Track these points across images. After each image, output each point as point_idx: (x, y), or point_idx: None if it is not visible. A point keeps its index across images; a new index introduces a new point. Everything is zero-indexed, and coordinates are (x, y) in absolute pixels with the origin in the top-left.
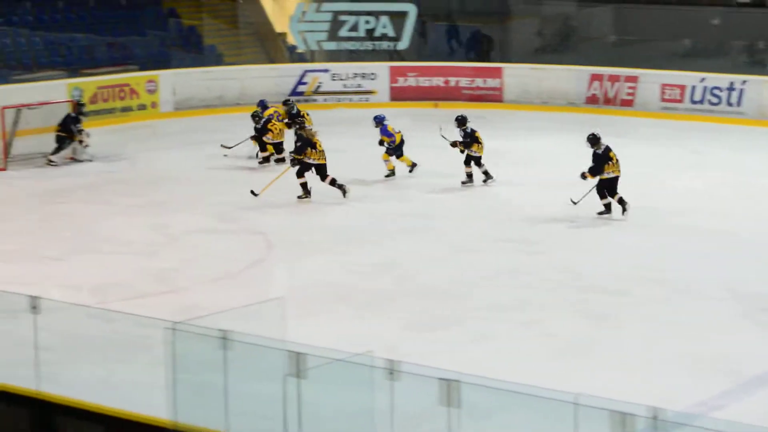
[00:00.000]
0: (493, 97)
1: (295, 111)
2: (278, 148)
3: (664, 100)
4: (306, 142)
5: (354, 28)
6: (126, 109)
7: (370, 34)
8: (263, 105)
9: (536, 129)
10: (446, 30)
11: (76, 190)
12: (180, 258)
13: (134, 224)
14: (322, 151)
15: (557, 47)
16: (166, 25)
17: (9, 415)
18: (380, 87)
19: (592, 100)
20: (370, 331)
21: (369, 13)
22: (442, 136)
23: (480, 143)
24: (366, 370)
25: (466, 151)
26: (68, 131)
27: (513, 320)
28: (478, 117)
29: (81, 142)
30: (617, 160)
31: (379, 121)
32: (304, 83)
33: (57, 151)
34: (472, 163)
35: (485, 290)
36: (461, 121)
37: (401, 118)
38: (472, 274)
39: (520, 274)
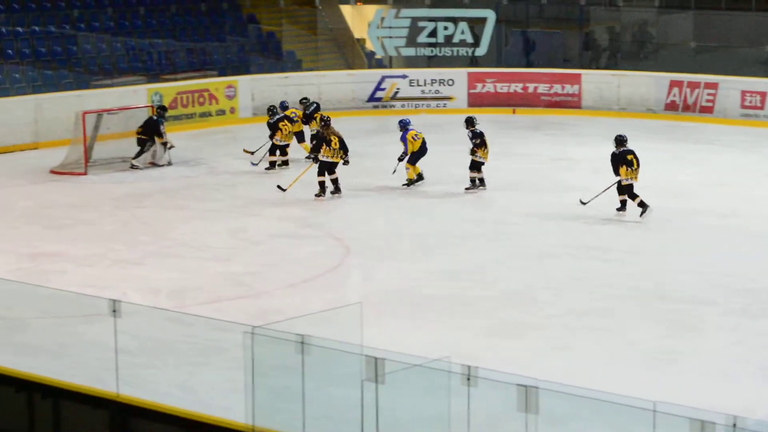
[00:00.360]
0: (571, 103)
1: (311, 110)
2: (282, 149)
3: (744, 107)
4: (321, 140)
5: (432, 34)
6: (205, 115)
7: (448, 41)
8: (283, 106)
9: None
10: (523, 36)
11: (155, 194)
12: (257, 262)
13: (212, 229)
14: (337, 149)
15: (636, 53)
16: (245, 31)
17: (89, 417)
18: (458, 93)
19: (671, 107)
20: (448, 337)
21: (448, 19)
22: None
23: (486, 148)
24: (443, 375)
25: (471, 157)
26: (149, 134)
27: (593, 327)
28: (553, 123)
29: (166, 143)
30: (637, 167)
31: (402, 125)
32: (382, 89)
33: (139, 154)
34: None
35: (565, 297)
36: (470, 122)
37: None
38: (551, 280)
39: (600, 281)
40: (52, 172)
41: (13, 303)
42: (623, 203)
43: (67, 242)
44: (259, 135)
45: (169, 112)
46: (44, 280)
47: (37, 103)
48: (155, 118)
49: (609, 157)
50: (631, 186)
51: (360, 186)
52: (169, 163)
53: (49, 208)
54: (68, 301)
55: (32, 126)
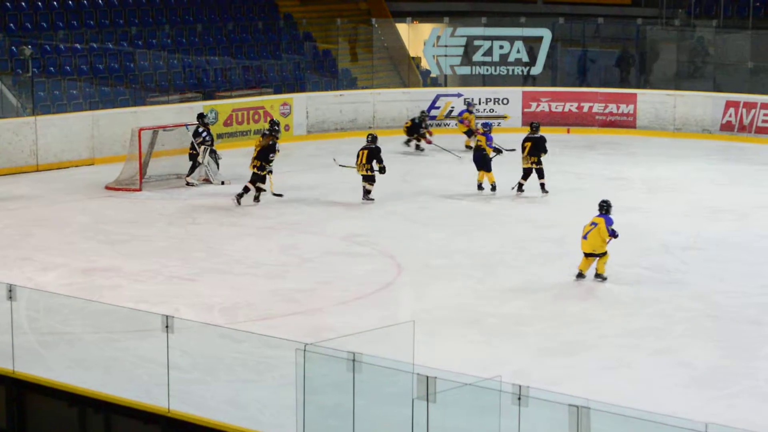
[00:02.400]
0: (626, 123)
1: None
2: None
3: None
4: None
5: (488, 53)
6: (259, 132)
7: (504, 59)
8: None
9: (669, 156)
10: (579, 55)
11: (209, 211)
12: (310, 280)
13: (265, 246)
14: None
15: (693, 73)
16: (301, 49)
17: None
18: (513, 112)
19: (726, 127)
20: (500, 356)
21: (503, 38)
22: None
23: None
24: (494, 394)
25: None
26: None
27: (647, 348)
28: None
29: (196, 155)
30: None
31: (488, 128)
32: (437, 107)
33: (192, 170)
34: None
35: (620, 317)
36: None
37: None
38: (606, 300)
39: (657, 302)
40: (108, 188)
41: (66, 317)
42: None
43: (121, 258)
44: (311, 153)
45: (225, 129)
46: (98, 295)
47: (94, 120)
48: (193, 128)
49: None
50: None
51: (415, 203)
52: (222, 183)
53: (105, 223)
54: (121, 316)
55: (89, 142)
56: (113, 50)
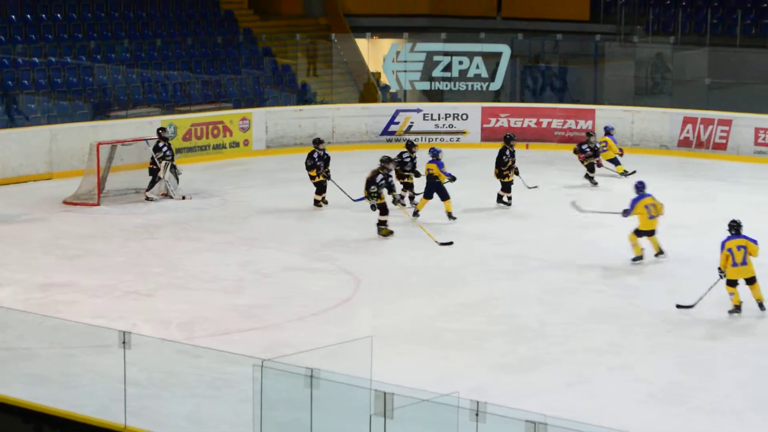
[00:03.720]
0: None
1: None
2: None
3: (757, 144)
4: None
5: (447, 68)
6: (219, 147)
7: (463, 75)
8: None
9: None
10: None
11: (167, 226)
12: (268, 295)
13: (223, 261)
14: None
15: (652, 89)
16: (261, 64)
17: None
18: (472, 127)
19: (684, 143)
20: (457, 372)
21: (463, 54)
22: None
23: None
24: (452, 411)
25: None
26: (155, 162)
27: (605, 364)
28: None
29: (157, 170)
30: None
31: (436, 154)
32: (396, 123)
33: (152, 184)
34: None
35: (578, 333)
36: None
37: (492, 160)
38: (566, 316)
39: (615, 317)
40: (66, 202)
41: (23, 333)
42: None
43: (78, 273)
44: (270, 168)
45: (184, 144)
46: (55, 310)
47: (52, 134)
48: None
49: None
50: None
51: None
52: (183, 198)
53: (62, 238)
54: (78, 331)
55: (47, 156)
56: (72, 64)
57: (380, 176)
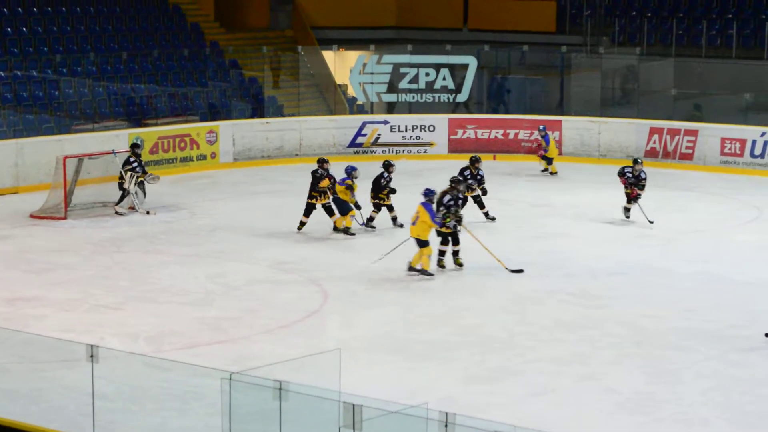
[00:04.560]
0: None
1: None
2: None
3: (723, 154)
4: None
5: (414, 80)
6: (186, 159)
7: (430, 87)
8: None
9: (595, 182)
10: (504, 83)
11: (134, 239)
12: (236, 308)
13: (191, 274)
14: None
15: (620, 100)
16: (227, 76)
17: None
18: (439, 139)
19: (651, 154)
20: (426, 383)
21: (429, 66)
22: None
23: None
24: (421, 422)
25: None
26: (123, 175)
27: (573, 374)
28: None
29: (122, 181)
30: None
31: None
32: (363, 134)
33: (121, 199)
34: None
35: (545, 343)
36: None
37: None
38: (533, 326)
39: (582, 327)
40: (32, 216)
41: None
42: None
43: (46, 287)
44: (237, 181)
45: (150, 157)
46: (23, 324)
47: (18, 147)
48: (126, 157)
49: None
50: None
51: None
52: (147, 213)
53: (29, 252)
54: (46, 346)
55: (13, 170)
56: (38, 78)
57: (448, 197)
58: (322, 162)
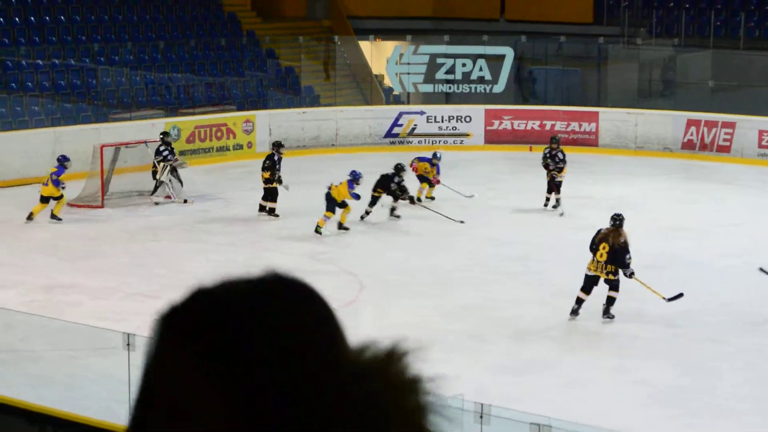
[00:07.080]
0: (588, 141)
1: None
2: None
3: (761, 146)
4: None
5: (451, 70)
6: (222, 149)
7: (466, 77)
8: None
9: (631, 174)
10: (541, 74)
11: (171, 228)
12: None
13: (226, 263)
14: None
15: (654, 92)
16: (264, 66)
17: None
18: (475, 130)
19: (688, 146)
20: (461, 374)
21: (466, 56)
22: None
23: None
24: (456, 413)
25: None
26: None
27: (606, 366)
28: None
29: (155, 171)
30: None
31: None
32: (400, 125)
33: (155, 189)
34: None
35: (579, 335)
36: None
37: (495, 162)
38: (566, 319)
39: (616, 320)
40: (69, 204)
41: (26, 335)
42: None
43: (82, 274)
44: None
45: (187, 146)
46: (58, 312)
47: (56, 136)
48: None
49: None
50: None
51: (374, 220)
52: (185, 201)
53: (66, 240)
54: (82, 333)
55: (51, 158)
56: (75, 66)
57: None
58: (400, 170)
